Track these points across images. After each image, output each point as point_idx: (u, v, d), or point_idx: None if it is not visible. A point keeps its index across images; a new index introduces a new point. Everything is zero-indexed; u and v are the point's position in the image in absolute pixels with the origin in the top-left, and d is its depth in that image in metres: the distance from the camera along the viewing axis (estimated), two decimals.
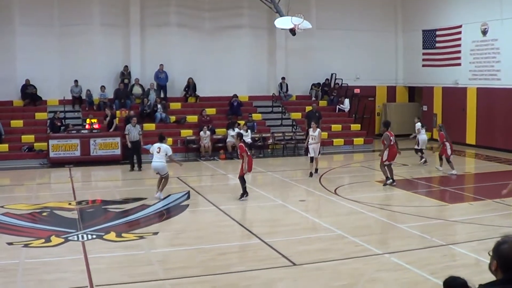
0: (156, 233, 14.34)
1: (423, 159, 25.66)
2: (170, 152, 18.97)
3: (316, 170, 23.63)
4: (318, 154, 23.61)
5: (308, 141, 23.72)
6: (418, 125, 26.37)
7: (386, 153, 20.92)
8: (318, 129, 23.70)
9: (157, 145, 18.85)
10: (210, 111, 31.16)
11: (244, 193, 18.63)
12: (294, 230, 14.76)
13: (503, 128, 29.59)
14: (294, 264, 11.75)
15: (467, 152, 30.30)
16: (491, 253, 4.40)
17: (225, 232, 14.72)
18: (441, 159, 23.82)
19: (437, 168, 23.95)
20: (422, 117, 30.96)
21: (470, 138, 32.03)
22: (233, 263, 11.95)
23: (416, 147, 26.26)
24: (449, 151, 23.27)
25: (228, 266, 11.70)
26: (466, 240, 13.60)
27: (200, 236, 14.38)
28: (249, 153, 19.12)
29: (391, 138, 21.01)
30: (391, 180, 20.84)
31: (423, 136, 26.15)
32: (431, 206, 17.76)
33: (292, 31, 28.23)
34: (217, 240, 13.95)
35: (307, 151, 24.50)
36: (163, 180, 18.90)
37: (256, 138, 29.47)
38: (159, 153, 18.71)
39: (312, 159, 23.47)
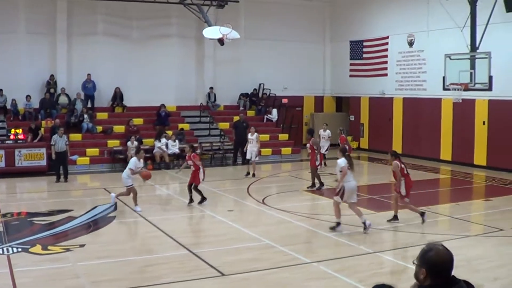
0: (83, 245, 14.06)
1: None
2: (129, 165, 18.59)
3: (254, 174, 24.72)
4: (256, 158, 24.75)
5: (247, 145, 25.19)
6: (328, 132, 27.64)
7: (318, 157, 21.84)
8: (256, 133, 24.73)
9: None
10: (138, 121, 30.90)
11: (203, 198, 19.19)
12: (222, 240, 14.73)
13: (429, 137, 30.23)
14: (223, 275, 11.70)
15: None
16: (416, 262, 4.43)
17: (153, 244, 14.58)
18: None
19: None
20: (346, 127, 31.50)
21: (397, 147, 32.38)
22: (161, 274, 11.80)
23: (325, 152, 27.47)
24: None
25: (156, 278, 11.55)
26: (393, 248, 13.82)
27: (128, 248, 14.21)
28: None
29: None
30: (322, 186, 21.99)
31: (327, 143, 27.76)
32: None
33: (221, 41, 28.31)
34: (145, 251, 13.83)
35: (245, 155, 25.68)
36: (128, 192, 18.62)
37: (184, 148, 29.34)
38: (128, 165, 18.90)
39: (249, 161, 24.82)
